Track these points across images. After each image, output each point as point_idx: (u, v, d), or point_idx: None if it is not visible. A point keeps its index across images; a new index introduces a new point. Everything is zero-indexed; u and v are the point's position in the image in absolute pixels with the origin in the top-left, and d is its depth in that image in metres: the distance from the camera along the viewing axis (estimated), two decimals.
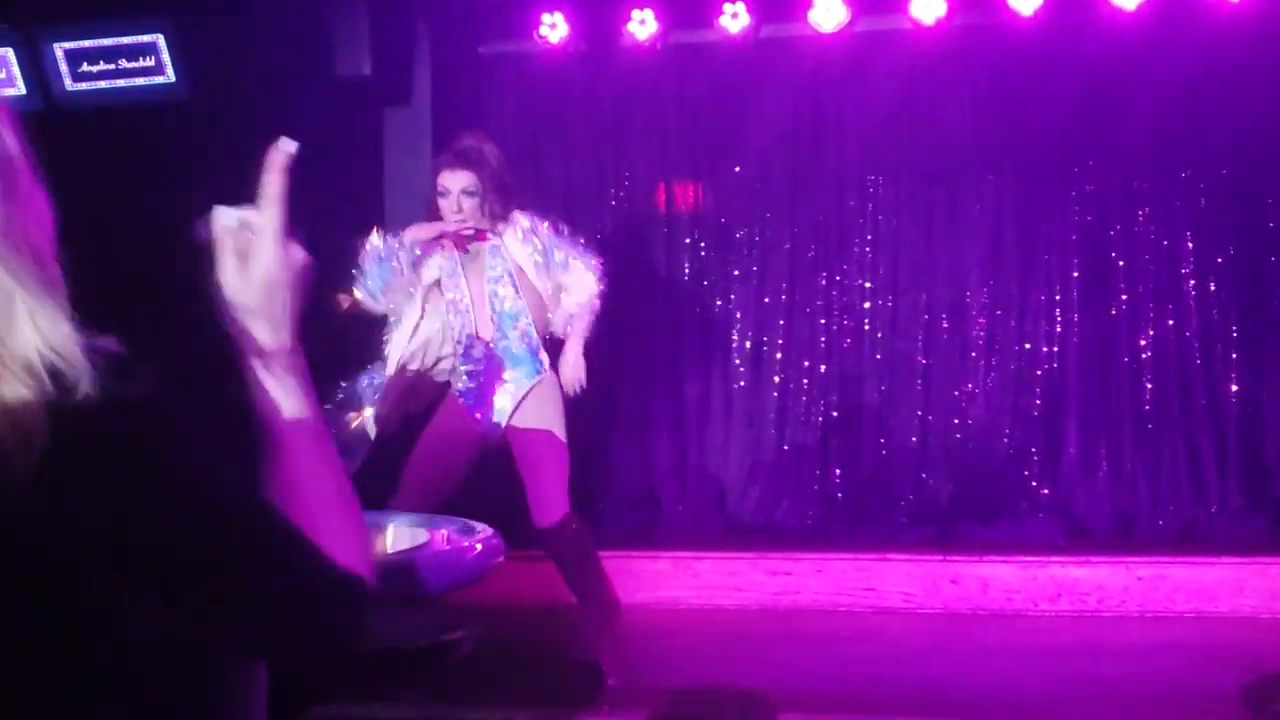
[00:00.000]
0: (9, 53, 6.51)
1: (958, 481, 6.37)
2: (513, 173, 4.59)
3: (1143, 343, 6.29)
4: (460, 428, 4.50)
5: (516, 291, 4.45)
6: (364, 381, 4.55)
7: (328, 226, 6.55)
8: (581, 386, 4.54)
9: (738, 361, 6.66)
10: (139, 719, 1.12)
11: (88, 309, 1.13)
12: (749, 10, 6.38)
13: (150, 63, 6.55)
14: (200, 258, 1.28)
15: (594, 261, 4.51)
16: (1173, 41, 6.16)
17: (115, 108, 6.55)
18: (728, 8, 6.38)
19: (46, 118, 6.45)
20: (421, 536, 2.78)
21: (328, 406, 4.45)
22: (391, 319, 4.52)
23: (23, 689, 1.05)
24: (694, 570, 5.81)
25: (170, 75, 6.53)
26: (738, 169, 6.68)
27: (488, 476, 4.89)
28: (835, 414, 6.56)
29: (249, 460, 1.18)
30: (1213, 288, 6.22)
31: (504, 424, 4.49)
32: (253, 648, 1.18)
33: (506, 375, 4.47)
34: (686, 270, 6.74)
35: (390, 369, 4.50)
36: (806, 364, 6.60)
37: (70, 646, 1.06)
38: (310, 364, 1.33)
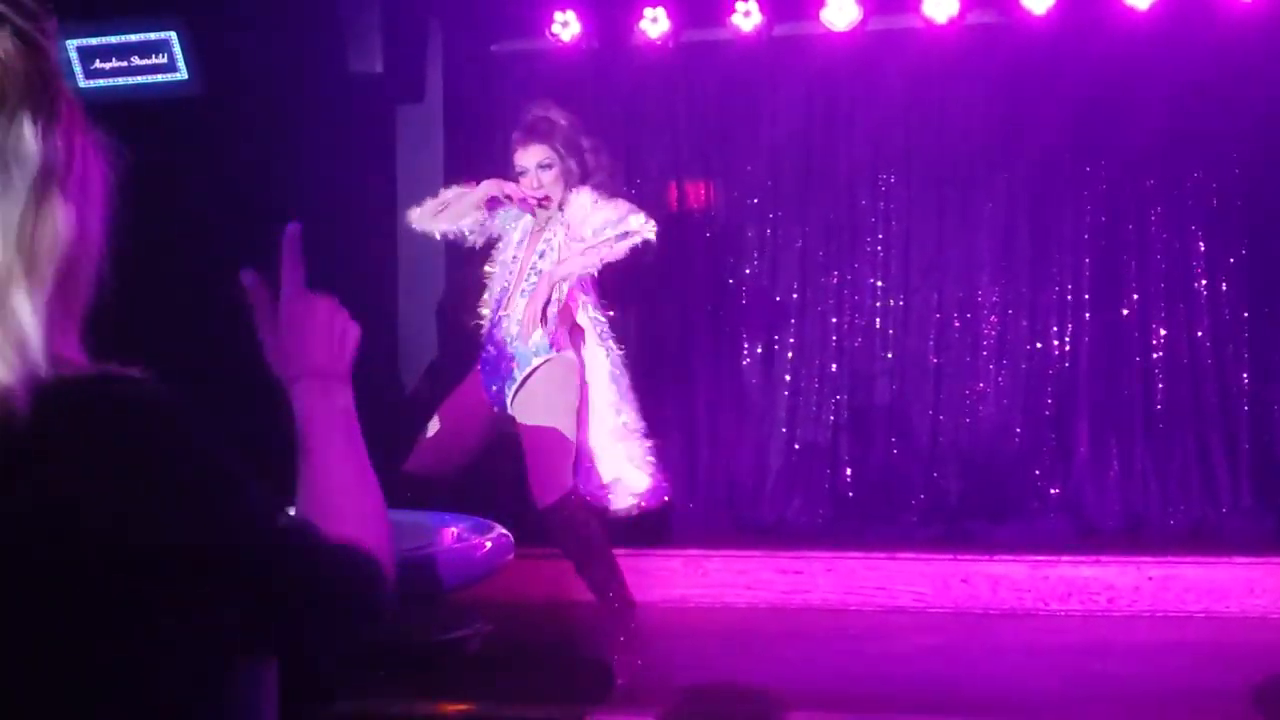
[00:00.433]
0: None
1: (969, 480, 6.36)
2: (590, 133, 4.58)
3: (1154, 341, 6.28)
4: (476, 396, 4.50)
5: (554, 258, 4.47)
6: None
7: (340, 224, 6.58)
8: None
9: (748, 360, 6.66)
10: (144, 718, 1.11)
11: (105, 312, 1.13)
12: (761, 9, 6.38)
13: (163, 60, 6.57)
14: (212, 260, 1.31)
15: (633, 211, 4.50)
16: (1185, 41, 6.15)
17: (128, 105, 6.57)
18: (740, 6, 6.38)
19: None
20: (432, 534, 2.79)
21: None
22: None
23: (26, 687, 1.04)
24: (704, 569, 5.81)
25: (183, 73, 6.55)
26: (749, 167, 6.69)
27: (500, 472, 4.91)
28: (846, 413, 6.56)
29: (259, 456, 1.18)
30: (1224, 287, 6.21)
31: (509, 400, 4.49)
32: (259, 643, 1.17)
33: (518, 355, 4.47)
34: (697, 268, 6.75)
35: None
36: (817, 363, 6.60)
37: (71, 645, 1.05)
38: None
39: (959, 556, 5.69)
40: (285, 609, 1.14)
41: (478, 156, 6.64)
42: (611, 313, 5.86)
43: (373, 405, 5.63)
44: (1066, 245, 6.38)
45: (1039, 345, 6.40)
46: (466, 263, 5.52)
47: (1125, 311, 6.30)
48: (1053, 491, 6.28)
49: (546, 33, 6.56)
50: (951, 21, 6.25)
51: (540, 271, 4.46)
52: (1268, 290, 6.17)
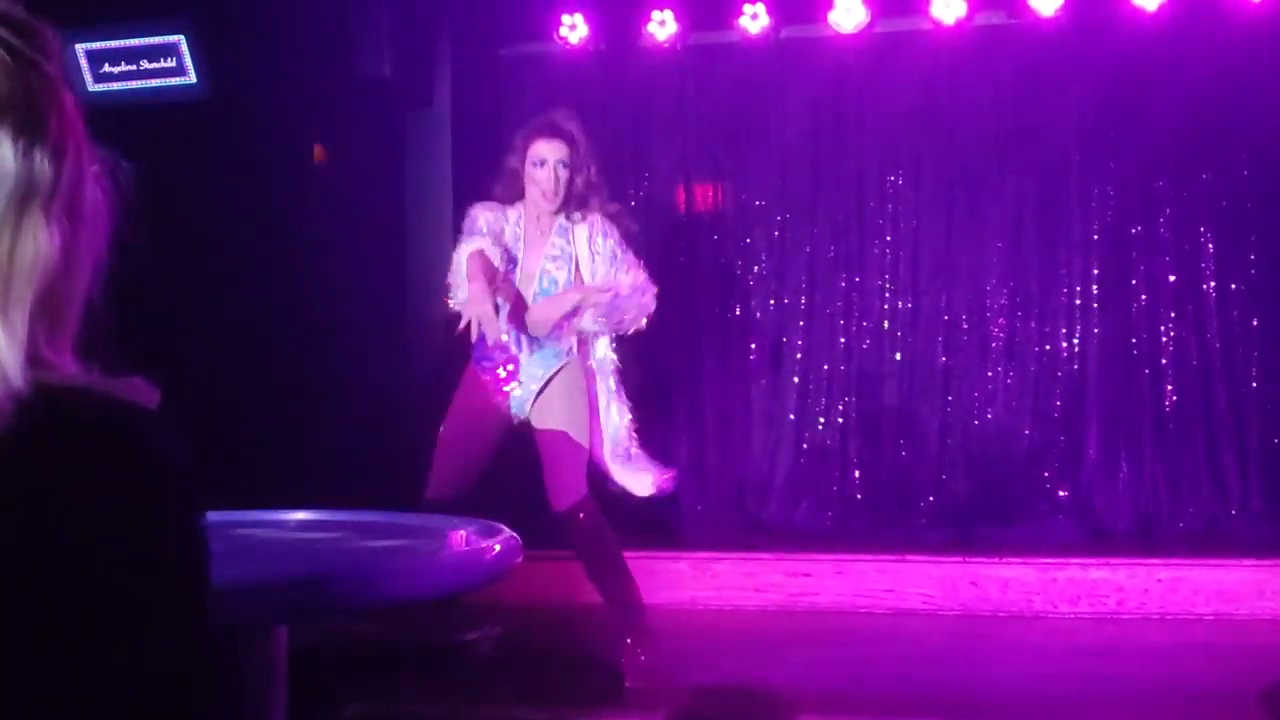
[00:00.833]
0: None
1: (977, 482, 6.36)
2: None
3: (1164, 343, 6.27)
4: (487, 405, 4.48)
5: (569, 277, 4.47)
6: None
7: (349, 228, 6.59)
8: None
9: (757, 362, 6.66)
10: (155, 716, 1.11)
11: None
12: (769, 11, 6.38)
13: (171, 64, 6.59)
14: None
15: (651, 286, 4.52)
16: (1193, 42, 6.15)
17: (137, 109, 6.59)
18: (748, 8, 6.38)
19: None
20: (440, 537, 2.79)
21: None
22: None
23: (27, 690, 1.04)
24: (713, 571, 5.81)
25: (192, 76, 6.56)
26: (757, 170, 6.68)
27: (508, 473, 4.90)
28: (855, 415, 6.55)
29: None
30: (1233, 287, 6.20)
31: (527, 408, 4.49)
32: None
33: (534, 358, 4.47)
34: (706, 270, 6.75)
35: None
36: (826, 365, 6.60)
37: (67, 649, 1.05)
38: None
39: (968, 559, 5.68)
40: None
41: (486, 160, 6.64)
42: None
43: (384, 408, 5.65)
44: (1075, 247, 6.37)
45: (1048, 347, 6.40)
46: None
47: (1134, 313, 6.29)
48: (1062, 494, 6.27)
49: (554, 36, 6.57)
50: (959, 23, 6.24)
51: (553, 276, 4.46)
52: (1276, 291, 6.15)
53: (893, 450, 6.49)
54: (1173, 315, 6.26)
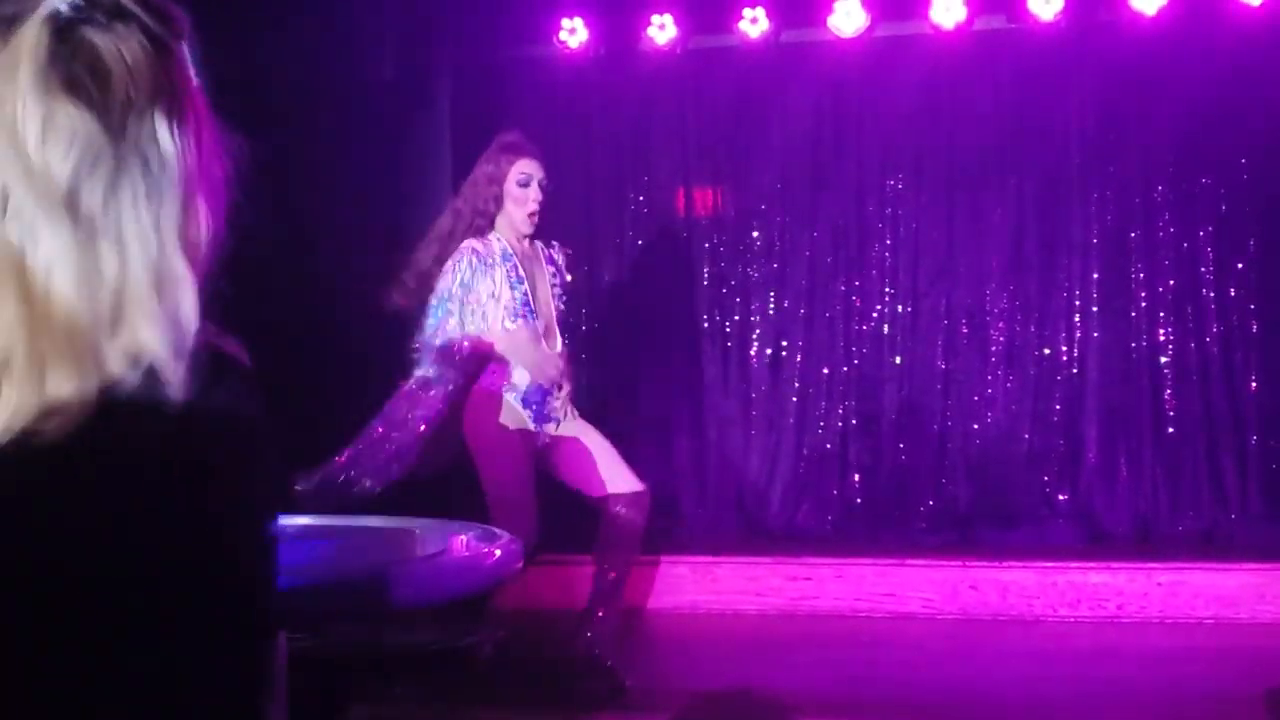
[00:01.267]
0: None
1: (977, 486, 6.36)
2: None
3: (1163, 347, 6.27)
4: (529, 448, 4.46)
5: (564, 299, 4.52)
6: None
7: (348, 231, 6.59)
8: None
9: (757, 366, 6.67)
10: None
11: None
12: (768, 15, 6.39)
13: None
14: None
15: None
16: (1193, 46, 6.15)
17: None
18: (747, 12, 6.38)
19: None
20: (442, 542, 2.80)
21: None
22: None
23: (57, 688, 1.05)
24: (713, 575, 5.82)
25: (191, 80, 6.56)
26: (758, 173, 6.68)
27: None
28: (854, 419, 6.55)
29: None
30: (1233, 292, 6.20)
31: (560, 425, 4.49)
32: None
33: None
34: (706, 275, 6.75)
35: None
36: (826, 370, 6.60)
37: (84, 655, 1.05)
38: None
39: (968, 563, 5.68)
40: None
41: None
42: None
43: (380, 410, 5.56)
44: (1075, 251, 6.37)
45: (1047, 351, 6.40)
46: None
47: (1134, 317, 6.29)
48: (1061, 498, 6.27)
49: (554, 40, 6.57)
50: (959, 27, 6.24)
51: (562, 309, 4.51)
52: (1276, 296, 6.16)
53: (892, 454, 6.49)
54: (1172, 319, 6.26)
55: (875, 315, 6.57)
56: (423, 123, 6.63)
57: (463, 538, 2.78)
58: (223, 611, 1.10)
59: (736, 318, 6.69)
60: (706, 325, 6.73)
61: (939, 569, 5.68)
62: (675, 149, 6.77)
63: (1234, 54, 6.09)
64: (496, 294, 4.35)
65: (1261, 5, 5.94)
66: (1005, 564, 5.62)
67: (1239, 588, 5.44)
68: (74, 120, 1.06)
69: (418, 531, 2.98)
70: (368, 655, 4.58)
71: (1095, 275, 6.34)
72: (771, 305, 6.66)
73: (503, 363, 4.39)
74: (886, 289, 6.56)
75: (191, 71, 1.13)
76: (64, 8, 1.06)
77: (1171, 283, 6.26)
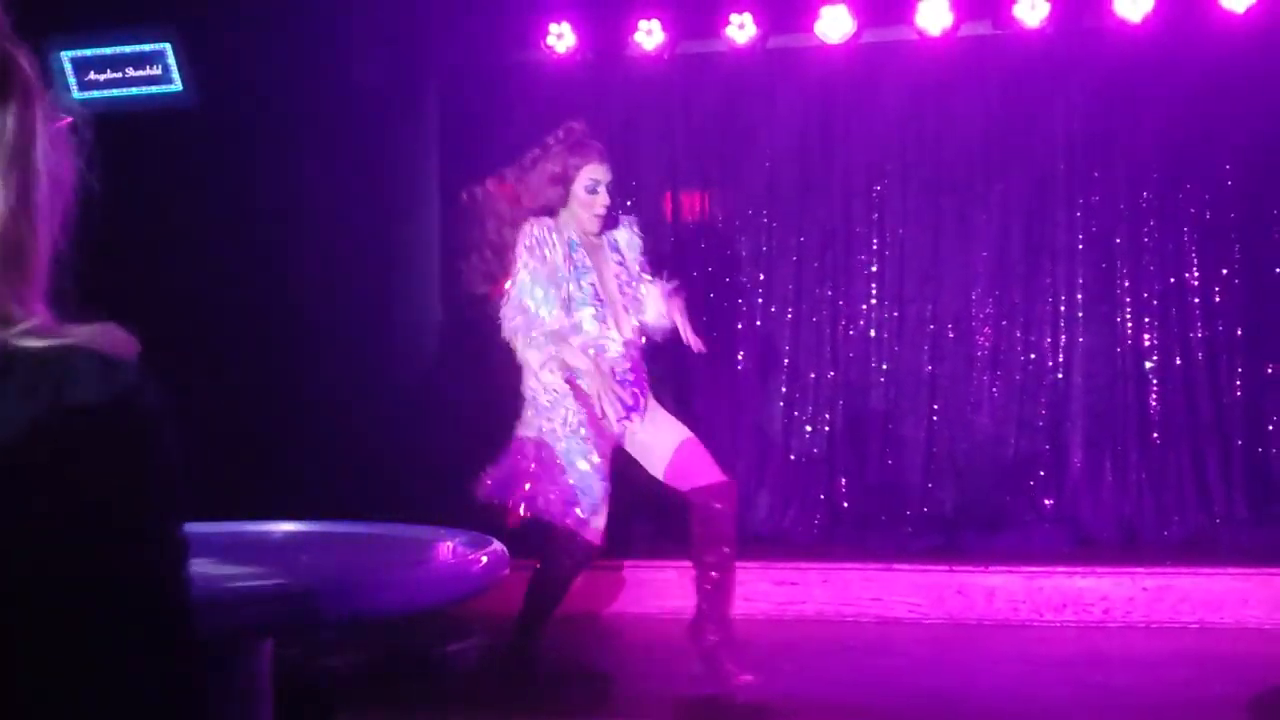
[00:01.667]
0: None
1: (963, 491, 6.37)
2: None
3: (1147, 345, 6.29)
4: (602, 435, 4.42)
5: (635, 286, 4.47)
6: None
7: (336, 235, 6.58)
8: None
9: (744, 370, 6.67)
10: None
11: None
12: (756, 21, 6.39)
13: (157, 71, 6.58)
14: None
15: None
16: (1178, 53, 6.18)
17: (123, 117, 6.58)
18: (735, 18, 6.39)
19: None
20: (428, 548, 2.79)
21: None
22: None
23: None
24: None
25: (177, 84, 6.55)
26: (745, 178, 6.69)
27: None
28: (841, 424, 6.56)
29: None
30: (1217, 299, 6.22)
31: (641, 418, 4.46)
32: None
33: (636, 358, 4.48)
34: (693, 279, 6.75)
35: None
36: (813, 374, 6.61)
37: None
38: None
39: (954, 568, 5.70)
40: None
41: (473, 167, 6.64)
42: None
43: (371, 415, 5.58)
44: (1060, 256, 6.39)
45: (1033, 356, 6.41)
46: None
47: (1119, 322, 6.31)
48: (1047, 502, 6.28)
49: (542, 45, 6.57)
50: (945, 33, 6.26)
51: (630, 294, 4.47)
52: (1261, 302, 6.18)
53: (879, 459, 6.50)
54: (1157, 324, 6.28)
55: (862, 320, 6.58)
56: (411, 127, 6.63)
57: (449, 544, 2.77)
58: (114, 619, 1.04)
59: (723, 322, 6.69)
60: (693, 330, 6.71)
61: (925, 574, 5.69)
62: (663, 154, 6.77)
63: (1219, 60, 6.12)
64: (556, 278, 4.28)
65: (1246, 12, 5.97)
66: (991, 569, 5.63)
67: (1224, 592, 5.46)
68: None
69: (404, 537, 2.97)
70: (352, 662, 4.57)
71: (1080, 280, 6.36)
72: (759, 310, 6.66)
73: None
74: (873, 294, 6.56)
75: (6, 42, 1.12)
76: None
77: (1156, 288, 6.29)
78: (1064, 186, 6.39)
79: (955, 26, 6.26)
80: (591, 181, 4.35)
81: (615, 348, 4.38)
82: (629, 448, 4.46)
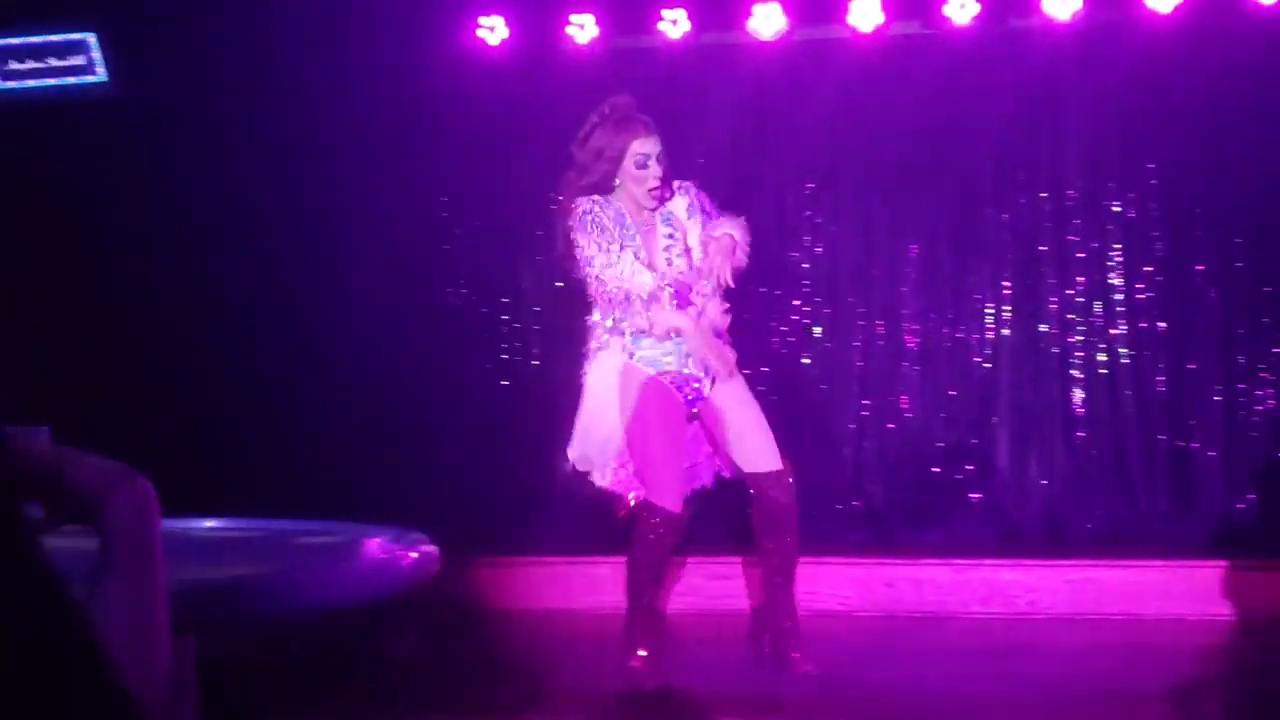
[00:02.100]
0: None
1: (892, 485, 6.43)
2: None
3: (1072, 341, 6.38)
4: (676, 408, 4.39)
5: (686, 263, 4.42)
6: None
7: (260, 229, 6.50)
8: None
9: None
10: None
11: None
12: (689, 17, 6.41)
13: (81, 61, 6.47)
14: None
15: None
16: (1104, 52, 6.28)
17: (45, 106, 6.46)
18: (667, 14, 6.40)
19: None
20: (357, 545, 2.77)
21: None
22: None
23: None
24: None
25: (101, 74, 6.45)
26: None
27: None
28: (771, 418, 6.56)
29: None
30: (1140, 296, 6.33)
31: (706, 390, 4.42)
32: None
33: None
34: None
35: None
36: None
37: None
38: None
39: (883, 561, 5.75)
40: None
41: (401, 162, 6.59)
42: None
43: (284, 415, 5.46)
44: (988, 253, 6.47)
45: (962, 352, 6.48)
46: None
47: (1045, 319, 6.40)
48: (975, 496, 6.36)
49: (473, 37, 6.53)
50: (877, 31, 6.31)
51: (677, 265, 4.43)
52: (1183, 299, 6.29)
53: (808, 453, 6.52)
54: (1082, 321, 6.37)
55: (794, 315, 6.61)
56: (338, 121, 6.55)
57: (378, 540, 2.75)
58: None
59: None
60: None
61: (855, 567, 5.74)
62: None
63: (1145, 60, 6.23)
64: (608, 248, 4.27)
65: (1173, 11, 6.07)
66: (920, 562, 5.70)
67: (1146, 585, 5.56)
68: None
69: (331, 534, 2.95)
70: (281, 660, 4.52)
71: (1007, 277, 6.44)
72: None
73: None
74: (804, 289, 6.60)
75: None
76: None
77: (1081, 285, 6.37)
78: (992, 184, 6.47)
79: (887, 25, 6.31)
80: (641, 156, 4.32)
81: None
82: (703, 419, 4.42)
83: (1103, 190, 6.36)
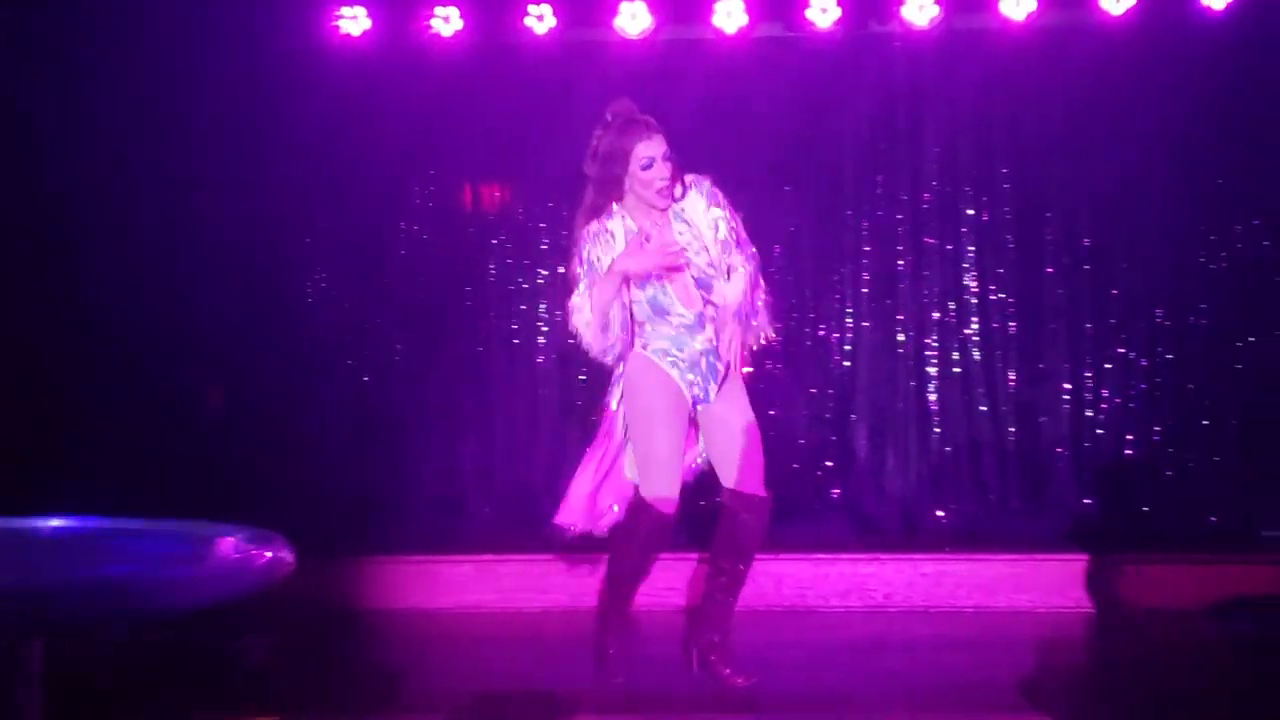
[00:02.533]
0: None
1: None
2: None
3: (928, 341, 6.52)
4: (680, 402, 4.31)
5: (709, 257, 4.34)
6: None
7: (126, 229, 6.33)
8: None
9: (543, 364, 6.67)
10: None
11: None
12: (555, 13, 6.41)
13: None
14: None
15: (752, 253, 4.41)
16: (959, 56, 6.45)
17: None
18: (533, 9, 6.41)
19: None
20: (209, 544, 2.71)
21: None
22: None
23: None
24: (497, 573, 5.81)
25: None
26: (545, 171, 6.63)
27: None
28: None
29: None
30: (993, 297, 6.50)
31: (712, 394, 4.35)
32: None
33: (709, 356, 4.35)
34: (492, 273, 6.73)
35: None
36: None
37: None
38: None
39: None
40: None
41: (271, 152, 6.46)
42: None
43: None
44: (847, 254, 6.58)
45: (821, 350, 6.59)
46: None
47: (901, 318, 6.53)
48: (834, 493, 6.47)
49: (332, 29, 6.44)
50: (741, 33, 6.37)
51: (696, 264, 4.34)
52: (1034, 300, 6.48)
53: None
54: (936, 320, 6.52)
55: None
56: (204, 114, 6.39)
57: (231, 540, 2.70)
58: None
59: (518, 315, 6.70)
60: (496, 322, 6.70)
61: None
62: (462, 143, 6.69)
63: (998, 63, 6.41)
64: (588, 292, 4.26)
65: (1025, 20, 6.26)
66: (780, 556, 5.77)
67: (998, 578, 5.71)
68: None
69: (184, 532, 2.88)
70: (131, 662, 4.41)
71: (866, 277, 6.56)
72: (558, 300, 6.65)
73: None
74: None
75: None
76: None
77: (936, 285, 6.53)
78: (851, 185, 6.58)
79: (751, 27, 6.37)
80: (646, 159, 4.28)
81: (681, 322, 4.32)
82: (703, 424, 4.40)
83: (958, 193, 6.52)
